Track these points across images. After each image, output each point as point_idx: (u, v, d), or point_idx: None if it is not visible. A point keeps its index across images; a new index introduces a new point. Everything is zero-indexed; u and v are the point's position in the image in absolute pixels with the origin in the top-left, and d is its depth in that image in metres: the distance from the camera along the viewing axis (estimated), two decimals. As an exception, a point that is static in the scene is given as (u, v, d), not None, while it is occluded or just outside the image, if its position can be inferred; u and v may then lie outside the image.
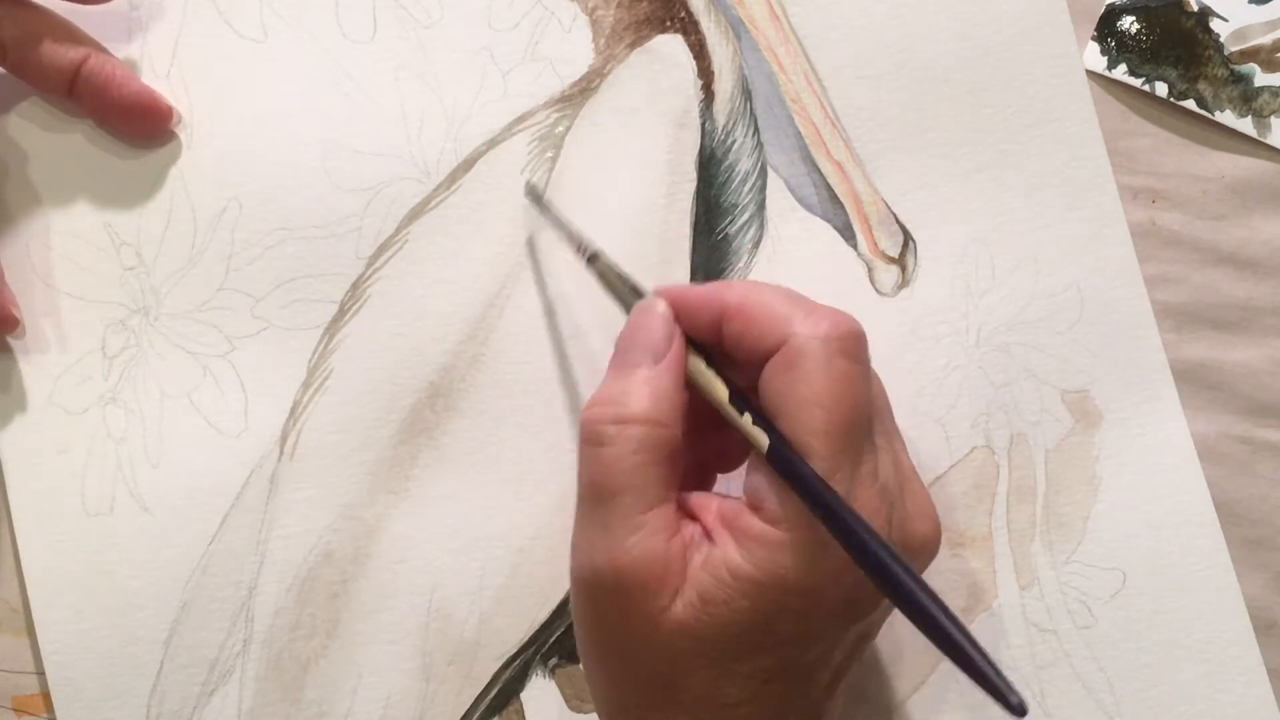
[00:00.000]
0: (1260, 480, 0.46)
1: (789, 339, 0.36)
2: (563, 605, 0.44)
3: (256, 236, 0.45)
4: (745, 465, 0.38)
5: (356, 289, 0.45)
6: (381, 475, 0.44)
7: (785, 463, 0.35)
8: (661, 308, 0.38)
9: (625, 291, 0.40)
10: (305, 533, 0.44)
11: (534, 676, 0.44)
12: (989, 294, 0.46)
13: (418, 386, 0.45)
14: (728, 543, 0.36)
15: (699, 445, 0.39)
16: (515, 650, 0.44)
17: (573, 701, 0.44)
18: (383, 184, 0.45)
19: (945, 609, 0.32)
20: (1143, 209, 0.47)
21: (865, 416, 0.36)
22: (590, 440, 0.37)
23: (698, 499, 0.38)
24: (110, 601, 0.43)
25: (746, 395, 0.37)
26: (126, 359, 0.44)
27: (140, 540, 0.44)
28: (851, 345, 0.36)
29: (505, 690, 0.44)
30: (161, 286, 0.45)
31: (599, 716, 0.40)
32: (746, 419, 0.36)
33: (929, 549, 0.38)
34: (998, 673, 0.31)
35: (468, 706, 0.44)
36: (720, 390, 0.37)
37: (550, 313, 0.45)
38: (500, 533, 0.44)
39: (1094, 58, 0.47)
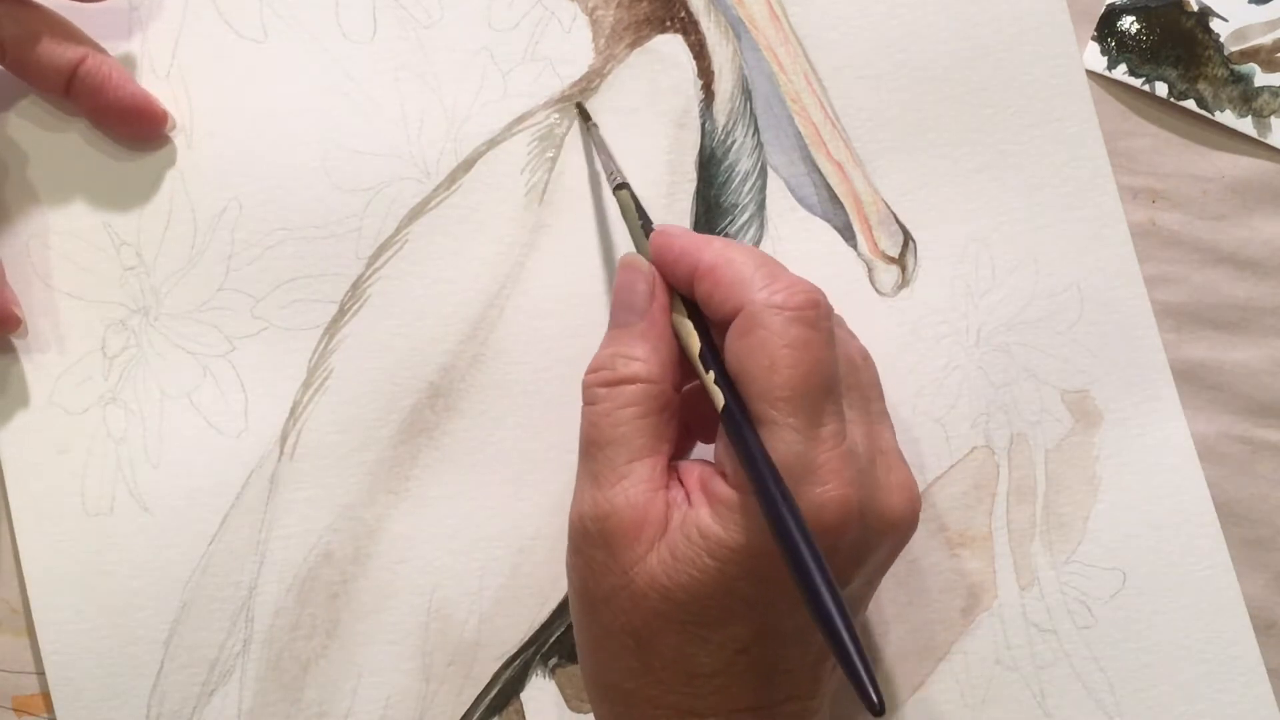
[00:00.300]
0: (1260, 480, 0.46)
1: (747, 305, 0.36)
2: (563, 605, 0.44)
3: (256, 236, 0.45)
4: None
5: (356, 289, 0.45)
6: (381, 475, 0.44)
7: (732, 424, 0.36)
8: (643, 264, 0.40)
9: (638, 226, 0.41)
10: (305, 533, 0.44)
11: (534, 676, 0.44)
12: (989, 294, 0.46)
13: (418, 386, 0.45)
14: (702, 505, 0.37)
15: (690, 405, 0.40)
16: (515, 650, 0.44)
17: (573, 702, 0.44)
18: (383, 184, 0.45)
19: (834, 590, 0.32)
20: (1143, 209, 0.47)
21: (824, 381, 0.36)
22: (587, 401, 0.39)
23: (685, 465, 0.39)
24: (110, 601, 0.43)
25: (717, 353, 0.38)
26: (126, 359, 0.44)
27: (140, 540, 0.44)
28: (809, 313, 0.36)
29: (505, 690, 0.44)
30: (161, 286, 0.45)
31: (588, 696, 0.40)
32: (711, 376, 0.37)
33: (905, 523, 0.39)
34: (866, 667, 0.31)
35: (468, 706, 0.44)
36: (693, 344, 0.38)
37: (550, 313, 0.45)
38: (500, 533, 0.44)
39: (1094, 58, 0.47)
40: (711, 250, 0.38)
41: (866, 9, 0.47)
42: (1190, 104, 0.47)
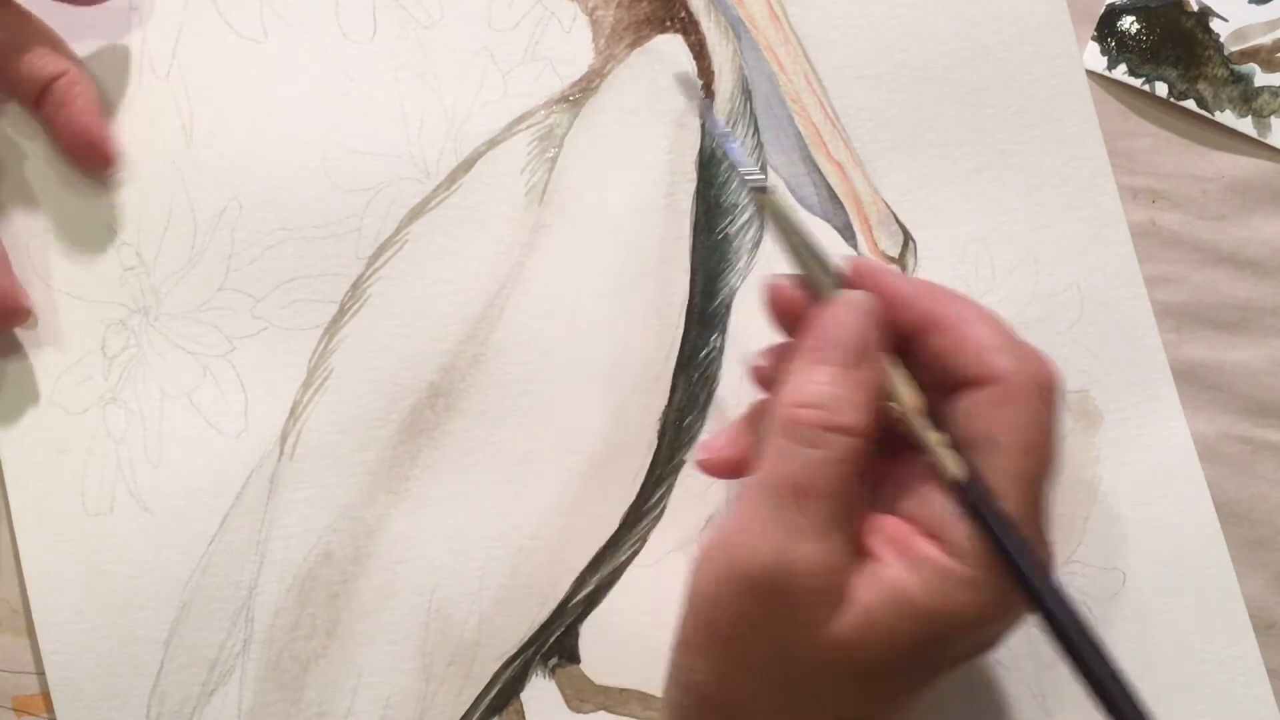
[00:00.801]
0: (1260, 480, 0.46)
1: (1006, 377, 0.35)
2: (563, 605, 0.44)
3: (256, 236, 0.45)
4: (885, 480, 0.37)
5: (356, 289, 0.45)
6: (381, 475, 0.44)
7: (985, 503, 0.35)
8: (870, 305, 0.37)
9: (794, 235, 0.38)
10: (305, 533, 0.44)
11: (534, 676, 0.44)
12: (989, 294, 0.46)
13: (418, 386, 0.45)
14: (897, 565, 0.35)
15: None
16: (515, 650, 0.44)
17: (573, 701, 0.44)
18: (383, 184, 0.45)
19: (1118, 675, 0.33)
20: (1143, 209, 0.47)
21: (1057, 468, 0.36)
22: (798, 439, 0.35)
23: (868, 516, 0.37)
24: (110, 601, 0.43)
25: (937, 413, 0.36)
26: (126, 359, 0.44)
27: (140, 540, 0.44)
28: (1058, 395, 0.36)
29: (505, 690, 0.44)
30: (161, 286, 0.45)
31: (668, 705, 0.38)
32: (936, 439, 0.36)
33: None
34: None
35: (468, 706, 0.44)
36: (912, 400, 0.37)
37: (550, 313, 0.45)
38: (500, 533, 0.44)
39: (1094, 58, 0.47)
40: (949, 305, 0.37)
41: (866, 9, 0.47)
42: (1190, 104, 0.47)
